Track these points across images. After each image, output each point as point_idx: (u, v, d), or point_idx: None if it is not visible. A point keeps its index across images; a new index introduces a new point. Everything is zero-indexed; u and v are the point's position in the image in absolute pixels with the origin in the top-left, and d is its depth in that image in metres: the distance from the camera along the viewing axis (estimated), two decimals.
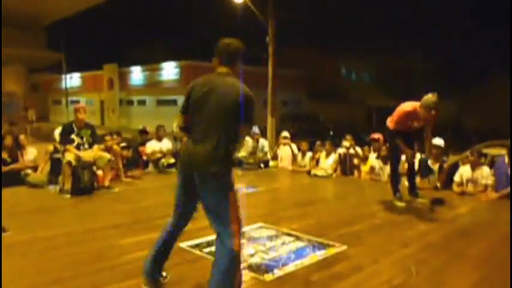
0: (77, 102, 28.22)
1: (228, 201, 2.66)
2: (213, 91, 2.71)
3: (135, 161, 8.06)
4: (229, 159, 2.71)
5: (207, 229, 4.34)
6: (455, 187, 6.48)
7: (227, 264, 2.60)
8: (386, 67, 30.47)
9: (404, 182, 5.92)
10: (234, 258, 2.62)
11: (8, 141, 7.13)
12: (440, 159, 6.89)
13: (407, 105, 5.36)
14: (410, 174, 5.80)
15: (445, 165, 6.87)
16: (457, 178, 6.48)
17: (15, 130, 14.03)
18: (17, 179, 6.84)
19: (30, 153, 7.39)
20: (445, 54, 27.02)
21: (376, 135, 7.87)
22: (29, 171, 7.04)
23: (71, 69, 31.19)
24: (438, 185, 6.72)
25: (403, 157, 5.79)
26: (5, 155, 6.95)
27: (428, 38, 27.15)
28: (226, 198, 2.66)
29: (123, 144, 7.93)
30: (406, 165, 5.86)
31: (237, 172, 8.56)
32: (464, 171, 6.45)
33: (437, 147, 6.78)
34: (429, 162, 6.77)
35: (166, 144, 8.57)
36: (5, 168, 6.87)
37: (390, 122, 5.57)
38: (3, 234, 4.28)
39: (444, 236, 4.39)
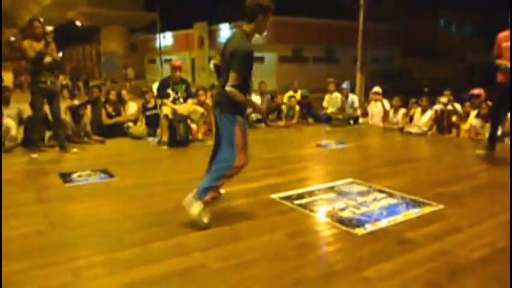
0: (170, 60, 29.36)
1: (231, 131, 3.25)
2: (226, 45, 3.34)
3: None
4: (230, 100, 3.23)
5: (297, 182, 4.45)
6: None
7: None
8: (491, 19, 27.50)
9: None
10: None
11: (113, 96, 7.70)
12: None
13: None
14: None
15: None
16: None
17: (117, 87, 15.19)
18: (121, 131, 7.44)
19: (131, 107, 7.91)
20: None
21: (477, 91, 7.24)
22: (130, 124, 7.59)
23: (164, 29, 32.41)
24: None
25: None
26: (109, 109, 7.54)
27: None
28: (230, 129, 3.26)
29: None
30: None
31: (325, 128, 8.48)
32: None
33: None
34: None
35: (255, 100, 8.59)
36: (110, 121, 7.48)
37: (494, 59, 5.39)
38: (112, 180, 4.71)
39: None
